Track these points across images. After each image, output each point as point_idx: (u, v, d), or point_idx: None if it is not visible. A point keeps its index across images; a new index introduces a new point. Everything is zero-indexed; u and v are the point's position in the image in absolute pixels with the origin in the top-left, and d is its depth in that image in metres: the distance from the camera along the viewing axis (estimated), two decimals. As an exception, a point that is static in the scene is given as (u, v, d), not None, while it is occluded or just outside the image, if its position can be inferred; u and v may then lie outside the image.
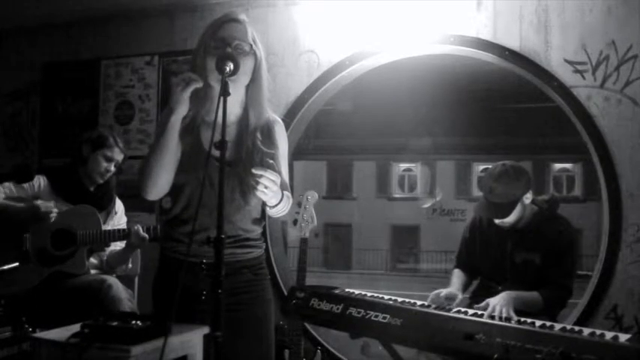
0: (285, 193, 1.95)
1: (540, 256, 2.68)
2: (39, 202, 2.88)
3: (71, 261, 2.96)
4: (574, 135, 3.28)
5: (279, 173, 1.90)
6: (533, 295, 2.57)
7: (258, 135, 1.97)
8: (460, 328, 2.13)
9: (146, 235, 2.92)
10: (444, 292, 2.64)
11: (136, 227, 2.92)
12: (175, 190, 1.93)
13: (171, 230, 1.98)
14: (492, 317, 2.28)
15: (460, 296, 2.68)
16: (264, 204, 1.96)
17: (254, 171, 1.74)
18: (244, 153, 1.93)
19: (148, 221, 3.53)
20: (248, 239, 2.00)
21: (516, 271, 2.72)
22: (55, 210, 2.89)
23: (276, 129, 2.03)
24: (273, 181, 1.76)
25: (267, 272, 2.10)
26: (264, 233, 2.11)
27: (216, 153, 1.66)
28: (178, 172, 1.92)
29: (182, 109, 1.82)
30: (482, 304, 2.42)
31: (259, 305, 2.03)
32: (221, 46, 1.87)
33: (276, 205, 1.91)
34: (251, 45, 1.92)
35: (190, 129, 1.93)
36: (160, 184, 1.88)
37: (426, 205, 20.82)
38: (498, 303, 2.37)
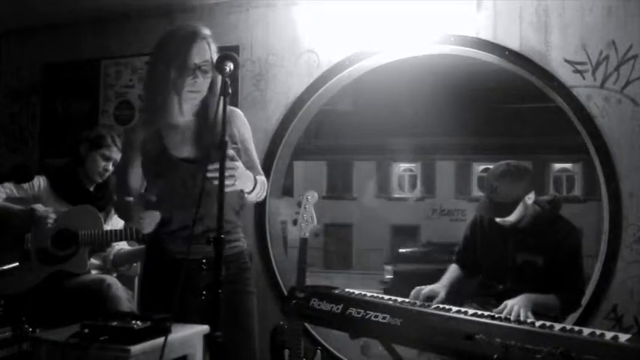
0: (258, 177, 2.07)
1: (543, 258, 2.67)
2: (37, 205, 2.88)
3: (72, 261, 2.96)
4: (574, 135, 3.28)
5: (249, 157, 2.11)
6: (550, 298, 2.57)
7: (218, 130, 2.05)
8: (460, 328, 2.13)
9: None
10: (425, 289, 2.64)
11: None
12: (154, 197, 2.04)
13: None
14: (508, 319, 2.27)
15: (443, 293, 2.68)
16: (240, 193, 2.06)
17: (209, 167, 1.78)
18: (206, 149, 2.00)
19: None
20: (229, 232, 2.07)
21: (518, 271, 2.72)
22: (53, 215, 2.89)
23: (232, 120, 2.10)
24: (232, 168, 1.84)
25: (249, 265, 2.21)
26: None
27: (181, 155, 1.98)
28: (151, 178, 2.06)
29: None
30: (500, 307, 2.42)
31: (243, 297, 2.12)
32: (190, 65, 1.95)
33: (253, 190, 2.02)
34: (212, 64, 1.98)
35: (151, 137, 2.04)
36: None
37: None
38: (516, 304, 2.36)
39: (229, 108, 2.09)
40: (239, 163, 1.90)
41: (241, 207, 2.19)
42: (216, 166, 1.77)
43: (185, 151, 2.05)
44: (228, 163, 1.83)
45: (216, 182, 1.80)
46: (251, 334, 2.14)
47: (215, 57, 1.99)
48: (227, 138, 1.72)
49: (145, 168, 2.07)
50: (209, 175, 1.76)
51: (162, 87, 1.97)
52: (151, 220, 2.01)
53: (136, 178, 2.09)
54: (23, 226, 2.91)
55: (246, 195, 2.05)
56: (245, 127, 2.16)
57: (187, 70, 1.94)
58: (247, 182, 1.98)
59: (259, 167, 2.19)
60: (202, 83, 1.99)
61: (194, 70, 1.95)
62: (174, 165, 2.01)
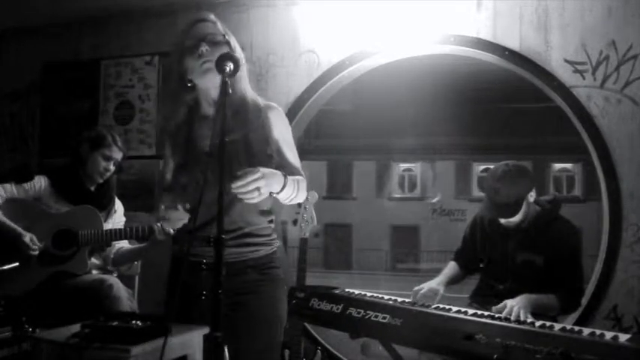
0: (295, 177, 1.89)
1: (543, 258, 2.67)
2: (26, 236, 2.88)
3: (72, 261, 2.95)
4: (574, 135, 3.28)
5: (281, 158, 1.93)
6: (551, 298, 2.57)
7: (245, 126, 1.92)
8: (460, 328, 2.13)
9: (171, 231, 2.85)
10: (424, 289, 2.65)
11: (158, 224, 2.87)
12: (180, 190, 1.95)
13: (177, 230, 2.00)
14: (508, 319, 2.26)
15: (441, 290, 2.68)
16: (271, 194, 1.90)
17: (233, 185, 1.69)
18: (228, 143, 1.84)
19: (147, 221, 3.52)
20: (251, 234, 1.96)
21: (517, 271, 2.72)
22: (37, 247, 2.88)
23: (269, 116, 1.97)
24: (255, 180, 1.71)
25: (278, 272, 2.02)
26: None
27: (206, 148, 1.79)
28: (180, 172, 1.97)
29: None
30: (500, 305, 2.41)
31: (264, 306, 1.96)
32: (195, 42, 1.89)
33: (281, 191, 1.83)
34: (224, 35, 1.93)
35: (180, 128, 1.98)
36: None
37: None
38: (516, 305, 2.36)
39: (266, 104, 1.99)
40: (262, 168, 1.75)
41: (270, 207, 2.02)
42: (241, 182, 1.68)
43: (211, 145, 1.87)
44: (249, 176, 1.70)
45: (245, 201, 1.72)
46: (270, 341, 1.98)
47: (227, 32, 1.93)
48: (227, 138, 1.68)
49: (173, 158, 2.01)
50: (238, 196, 1.70)
51: (179, 75, 1.92)
52: (177, 220, 1.87)
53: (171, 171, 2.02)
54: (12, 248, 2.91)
55: (274, 195, 1.88)
56: (281, 125, 1.99)
57: (195, 47, 1.88)
58: (274, 184, 1.80)
59: (296, 166, 1.98)
60: (212, 52, 1.87)
61: (200, 40, 1.88)
62: (197, 157, 1.92)
